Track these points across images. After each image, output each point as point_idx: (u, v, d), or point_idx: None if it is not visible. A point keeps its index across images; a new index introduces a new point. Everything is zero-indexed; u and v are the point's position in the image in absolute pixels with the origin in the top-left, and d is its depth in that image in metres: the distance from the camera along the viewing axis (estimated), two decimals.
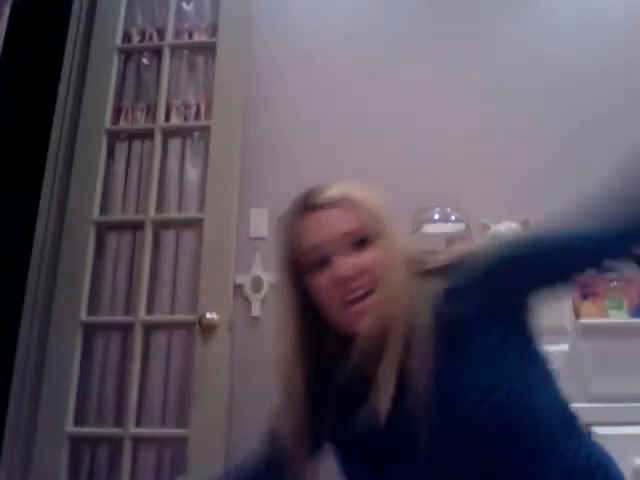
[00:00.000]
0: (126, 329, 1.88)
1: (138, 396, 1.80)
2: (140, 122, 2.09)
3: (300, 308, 0.95)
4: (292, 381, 0.95)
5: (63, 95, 2.14)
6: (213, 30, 2.14)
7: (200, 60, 2.15)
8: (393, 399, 0.82)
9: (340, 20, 2.32)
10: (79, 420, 1.81)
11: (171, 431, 1.79)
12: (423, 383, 0.80)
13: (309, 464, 0.94)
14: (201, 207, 1.96)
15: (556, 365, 1.45)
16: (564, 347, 1.49)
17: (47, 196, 2.04)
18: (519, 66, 2.24)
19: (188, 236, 1.96)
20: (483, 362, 0.83)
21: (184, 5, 2.21)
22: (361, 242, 0.89)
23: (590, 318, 1.55)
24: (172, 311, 1.90)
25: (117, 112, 2.11)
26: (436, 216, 1.79)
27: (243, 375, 1.95)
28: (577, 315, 1.55)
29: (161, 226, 1.98)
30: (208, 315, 1.77)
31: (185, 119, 2.08)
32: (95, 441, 1.81)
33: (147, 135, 2.06)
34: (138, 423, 1.79)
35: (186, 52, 2.16)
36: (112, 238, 1.98)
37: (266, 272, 2.04)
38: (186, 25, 2.18)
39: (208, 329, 1.78)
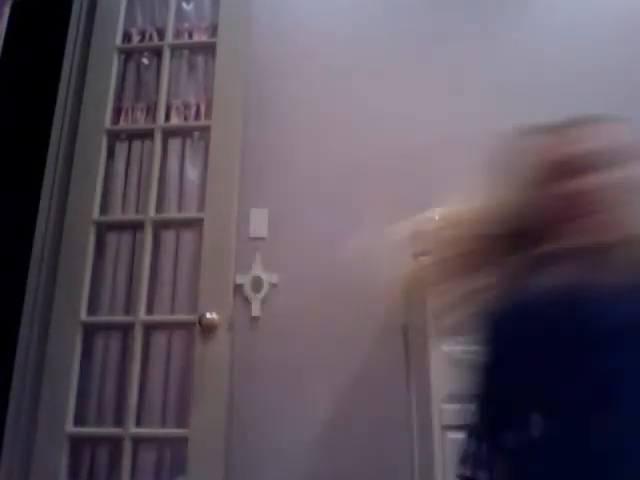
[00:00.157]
0: (126, 329, 1.88)
1: (138, 396, 1.80)
2: (140, 122, 2.09)
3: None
4: None
5: (63, 95, 2.14)
6: (213, 30, 2.15)
7: (200, 60, 2.15)
8: None
9: (340, 18, 2.32)
10: (79, 420, 1.81)
11: (171, 431, 1.79)
12: None
13: None
14: (201, 207, 1.96)
15: None
16: None
17: (47, 196, 2.04)
18: (520, 64, 2.24)
19: (188, 236, 1.96)
20: None
21: (184, 5, 2.21)
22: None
23: None
24: (172, 311, 1.90)
25: (117, 112, 2.11)
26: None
27: (243, 375, 1.95)
28: None
29: (161, 226, 1.98)
30: (208, 315, 1.77)
31: (185, 119, 2.08)
32: (95, 441, 1.81)
33: (147, 135, 2.06)
34: (138, 423, 1.79)
35: (186, 52, 2.16)
36: (112, 238, 1.98)
37: (266, 272, 2.05)
38: (186, 25, 2.18)
39: (208, 329, 1.78)
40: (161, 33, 2.17)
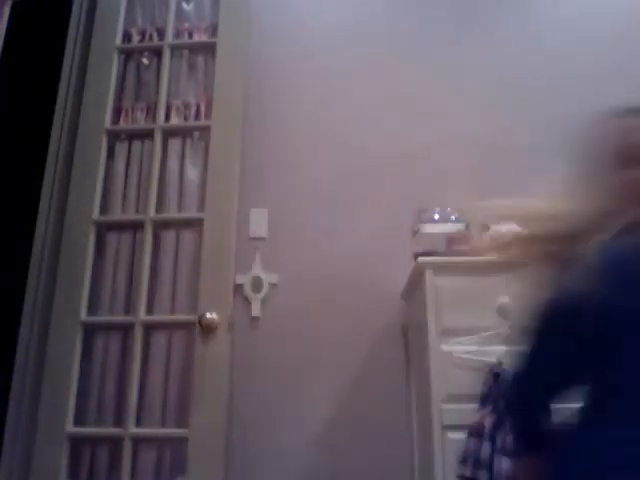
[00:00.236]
0: (126, 329, 1.88)
1: (138, 396, 1.80)
2: (140, 122, 2.09)
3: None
4: None
5: (63, 95, 2.14)
6: (213, 30, 2.14)
7: (200, 60, 2.15)
8: None
9: (340, 18, 2.33)
10: (79, 420, 1.81)
11: (171, 431, 1.79)
12: None
13: None
14: (201, 207, 1.96)
15: None
16: None
17: (47, 196, 2.04)
18: (521, 63, 2.24)
19: (188, 236, 1.96)
20: None
21: (184, 5, 2.21)
22: None
23: None
24: (172, 311, 1.90)
25: (117, 112, 2.11)
26: (436, 216, 1.79)
27: (243, 375, 1.95)
28: None
29: (161, 226, 1.98)
30: (208, 315, 1.77)
31: (185, 119, 2.08)
32: (95, 441, 1.81)
33: (147, 135, 2.06)
34: (138, 423, 1.79)
35: (186, 52, 2.16)
36: (112, 238, 1.98)
37: (266, 272, 2.05)
38: (186, 25, 2.18)
39: (208, 329, 1.78)
40: (161, 33, 2.17)
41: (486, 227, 1.72)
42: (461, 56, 2.26)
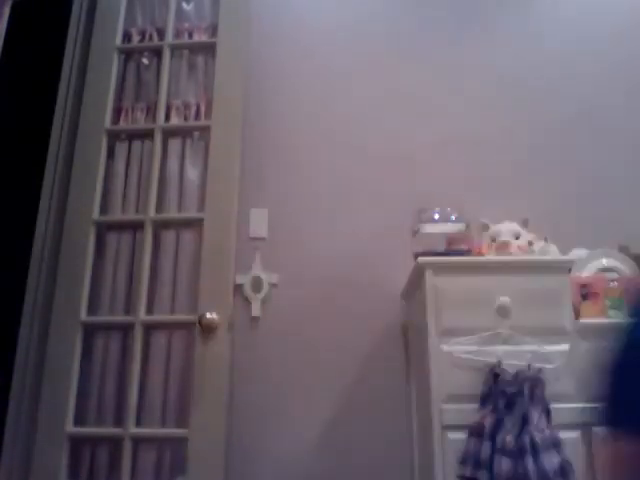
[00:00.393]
0: (126, 329, 1.88)
1: (138, 396, 1.80)
2: (140, 122, 2.09)
3: None
4: None
5: (63, 95, 2.14)
6: (213, 30, 2.14)
7: (200, 60, 2.15)
8: None
9: (340, 18, 2.32)
10: (79, 420, 1.81)
11: (171, 431, 1.79)
12: None
13: None
14: (201, 207, 1.96)
15: (556, 365, 1.46)
16: (564, 347, 1.49)
17: (47, 196, 2.04)
18: (521, 63, 2.24)
19: (188, 236, 1.96)
20: None
21: (184, 5, 2.21)
22: None
23: (590, 318, 1.55)
24: (172, 311, 1.90)
25: (117, 112, 2.11)
26: (436, 216, 1.79)
27: (243, 375, 1.95)
28: (577, 315, 1.55)
29: (161, 226, 1.98)
30: (208, 315, 1.77)
31: (185, 119, 2.08)
32: (95, 441, 1.81)
33: (147, 135, 2.06)
34: (138, 423, 1.79)
35: (186, 52, 2.16)
36: (112, 238, 1.98)
37: (266, 272, 2.05)
38: (186, 25, 2.18)
39: (208, 329, 1.78)
40: (161, 33, 2.17)
41: (486, 227, 1.72)
42: (461, 56, 2.26)
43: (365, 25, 2.31)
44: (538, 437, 1.34)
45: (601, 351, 1.48)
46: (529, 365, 1.44)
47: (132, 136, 2.08)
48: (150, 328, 1.88)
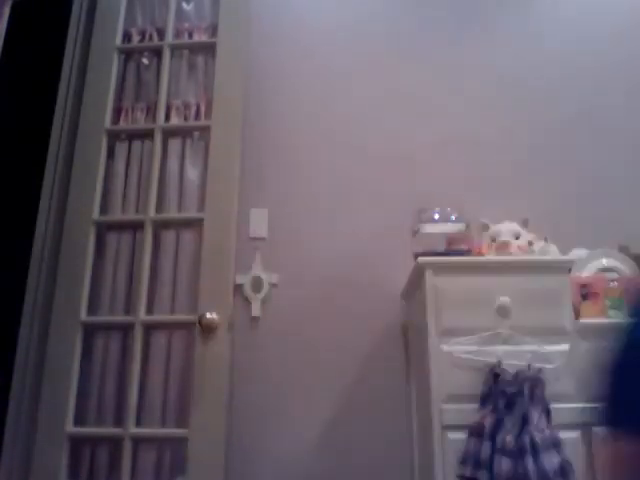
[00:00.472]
0: (126, 329, 1.88)
1: (138, 396, 1.80)
2: (140, 122, 2.09)
3: None
4: None
5: (63, 95, 2.14)
6: (213, 30, 2.14)
7: (200, 60, 2.15)
8: None
9: (340, 18, 2.32)
10: (79, 420, 1.81)
11: (171, 431, 1.79)
12: None
13: None
14: (201, 207, 1.96)
15: (556, 365, 1.46)
16: (564, 347, 1.49)
17: (47, 196, 2.04)
18: (521, 63, 2.24)
19: (188, 236, 1.96)
20: None
21: (184, 5, 2.21)
22: None
23: (590, 318, 1.55)
24: (172, 311, 1.90)
25: (117, 112, 2.11)
26: (436, 216, 1.79)
27: (243, 375, 1.95)
28: (577, 315, 1.55)
29: (161, 226, 1.98)
30: (208, 315, 1.77)
31: (185, 119, 2.08)
32: (95, 441, 1.81)
33: (147, 135, 2.06)
34: (138, 423, 1.79)
35: (186, 52, 2.16)
36: (112, 238, 1.98)
37: (266, 272, 2.05)
38: (186, 25, 2.18)
39: (208, 329, 1.78)
40: (161, 33, 2.17)
41: (486, 227, 1.72)
42: (461, 56, 2.26)
43: (365, 25, 2.31)
44: (538, 437, 1.34)
45: (601, 351, 1.49)
46: (529, 365, 1.44)
47: (132, 136, 2.08)
48: (150, 328, 1.88)
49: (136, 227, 1.97)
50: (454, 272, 1.56)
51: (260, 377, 1.96)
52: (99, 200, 1.99)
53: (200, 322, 1.77)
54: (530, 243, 1.66)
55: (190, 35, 2.17)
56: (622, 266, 1.75)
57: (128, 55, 2.18)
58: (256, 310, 2.02)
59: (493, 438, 1.37)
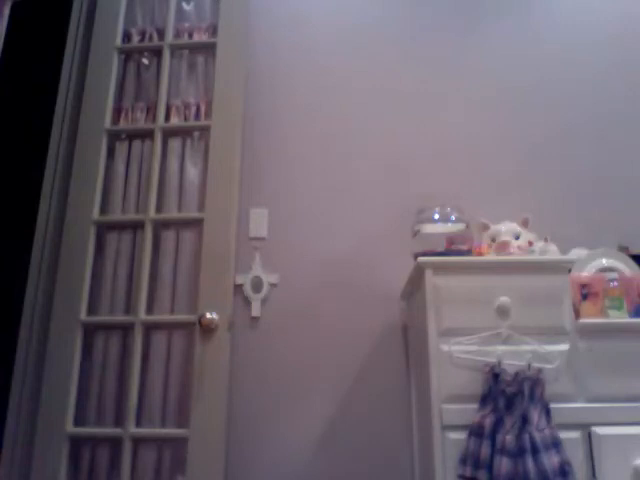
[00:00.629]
0: (126, 329, 1.88)
1: (138, 396, 1.80)
2: (140, 122, 2.09)
3: None
4: None
5: (63, 95, 2.14)
6: (213, 30, 2.15)
7: (200, 60, 2.15)
8: None
9: (340, 17, 2.32)
10: (79, 420, 1.81)
11: (171, 431, 1.79)
12: None
13: None
14: (201, 207, 1.96)
15: (556, 365, 1.46)
16: (564, 347, 1.49)
17: (47, 196, 2.04)
18: (520, 65, 2.24)
19: (188, 236, 1.96)
20: None
21: (184, 5, 2.21)
22: None
23: (590, 318, 1.55)
24: (172, 311, 1.90)
25: (117, 112, 2.11)
26: (436, 216, 1.79)
27: (243, 375, 1.95)
28: (577, 315, 1.55)
29: (161, 226, 1.98)
30: (208, 315, 1.77)
31: (185, 119, 2.08)
32: (95, 441, 1.81)
33: (147, 135, 2.06)
34: (138, 423, 1.79)
35: (186, 52, 2.16)
36: (112, 238, 1.98)
37: (266, 272, 2.05)
38: (186, 25, 2.18)
39: (208, 329, 1.78)
40: (161, 33, 2.17)
41: (486, 227, 1.72)
42: (461, 56, 2.26)
43: (365, 25, 2.31)
44: (538, 437, 1.34)
45: (601, 351, 1.49)
46: (529, 365, 1.44)
47: (132, 136, 2.08)
48: (150, 328, 1.88)
49: (136, 227, 1.97)
50: (454, 272, 1.56)
51: (260, 377, 1.96)
52: (99, 200, 1.99)
53: (200, 322, 1.77)
54: (530, 243, 1.66)
55: (190, 35, 2.18)
56: (622, 266, 1.75)
57: (128, 55, 2.18)
58: (256, 310, 2.02)
59: (493, 438, 1.37)
